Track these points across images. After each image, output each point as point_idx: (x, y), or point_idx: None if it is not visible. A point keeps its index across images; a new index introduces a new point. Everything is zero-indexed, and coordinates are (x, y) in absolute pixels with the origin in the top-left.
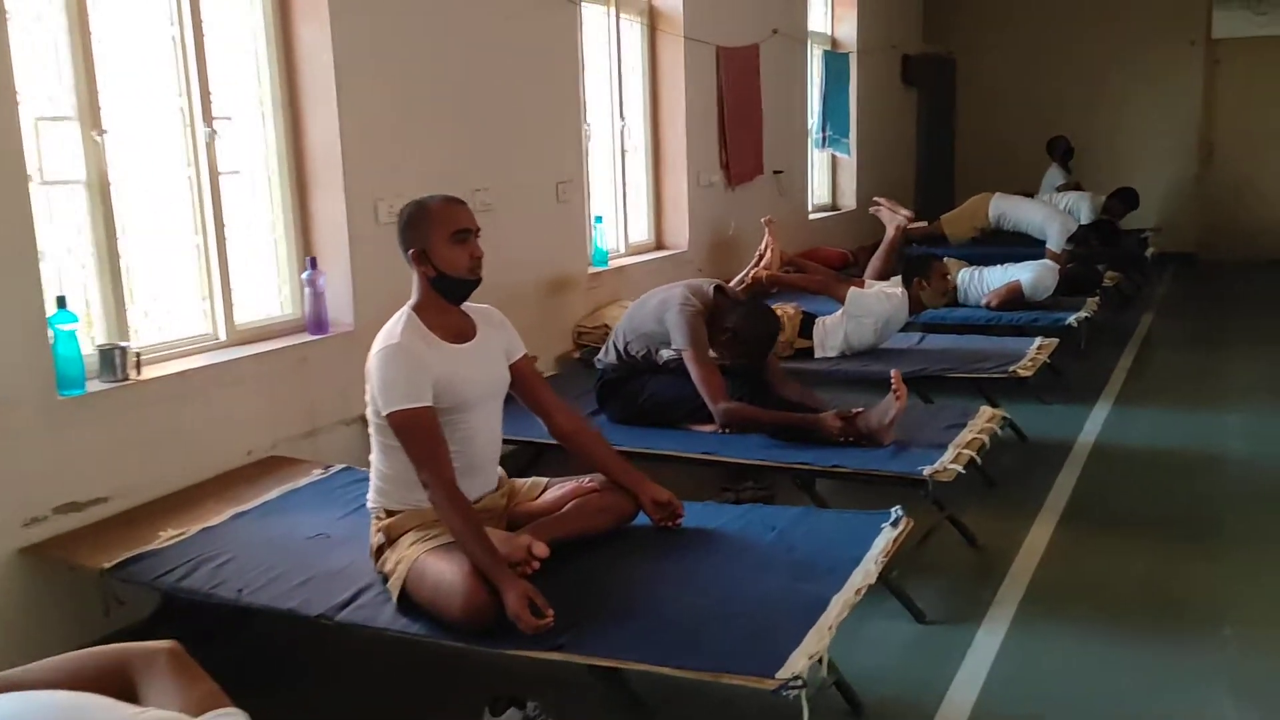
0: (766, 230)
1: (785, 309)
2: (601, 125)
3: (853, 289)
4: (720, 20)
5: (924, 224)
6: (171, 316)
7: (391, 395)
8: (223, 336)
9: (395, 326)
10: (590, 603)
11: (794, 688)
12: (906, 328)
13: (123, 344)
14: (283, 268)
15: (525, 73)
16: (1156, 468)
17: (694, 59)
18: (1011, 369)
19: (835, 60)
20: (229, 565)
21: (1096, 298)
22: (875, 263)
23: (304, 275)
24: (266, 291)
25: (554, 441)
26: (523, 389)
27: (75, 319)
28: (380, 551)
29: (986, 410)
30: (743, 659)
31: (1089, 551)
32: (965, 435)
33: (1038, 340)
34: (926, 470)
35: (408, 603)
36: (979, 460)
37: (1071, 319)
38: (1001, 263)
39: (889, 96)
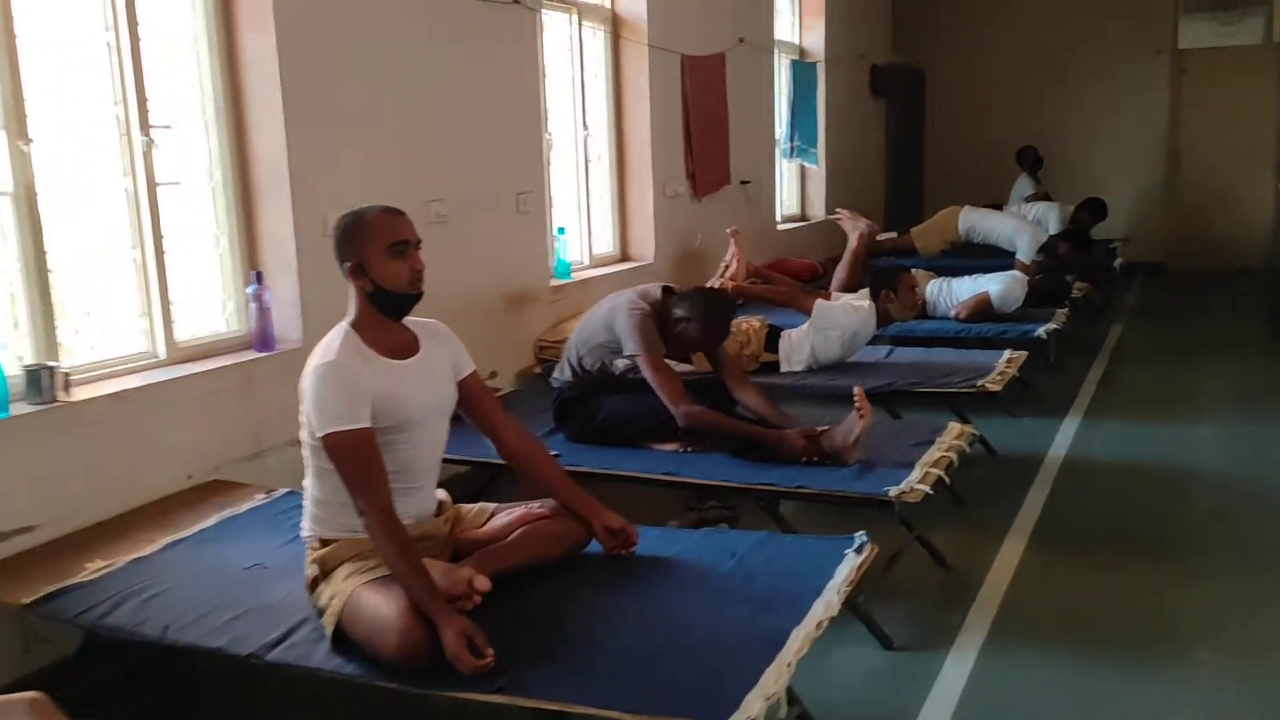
0: (732, 241)
1: (750, 322)
2: (564, 135)
3: (819, 301)
4: (685, 29)
5: (894, 235)
6: (107, 334)
7: (326, 416)
8: (162, 355)
9: (331, 343)
10: (535, 640)
11: None
12: (874, 340)
13: (51, 364)
14: (227, 282)
15: (483, 81)
16: (1127, 483)
17: (659, 68)
18: (980, 383)
19: (803, 70)
20: (157, 600)
21: (1065, 309)
22: (840, 274)
23: (249, 290)
24: (210, 307)
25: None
26: (471, 407)
27: None
28: (315, 584)
29: (955, 427)
30: (695, 702)
31: (1060, 572)
32: (933, 453)
33: (1006, 353)
34: (893, 491)
35: (343, 640)
36: (947, 480)
37: (1040, 331)
38: (971, 274)
39: (857, 106)
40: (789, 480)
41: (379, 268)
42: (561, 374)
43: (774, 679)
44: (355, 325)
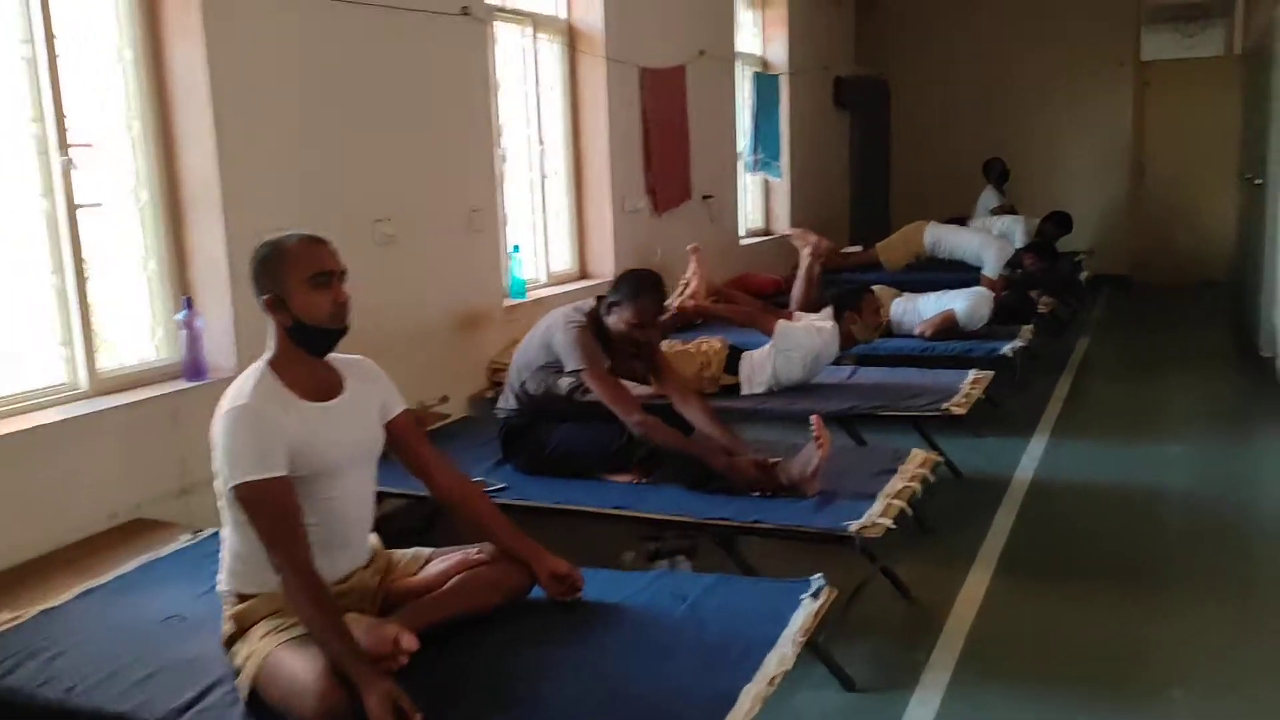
0: (692, 258)
1: (711, 342)
2: (519, 150)
3: (781, 322)
4: (644, 41)
5: (859, 249)
6: (22, 365)
7: (238, 465)
8: (84, 386)
9: (244, 384)
10: (467, 701)
11: None
12: (838, 360)
13: None
14: (156, 308)
15: (432, 94)
16: (1096, 506)
17: (617, 80)
18: (944, 406)
19: (765, 82)
20: (64, 657)
21: (1031, 326)
22: (796, 292)
23: (178, 316)
24: (138, 335)
25: None
26: (401, 449)
27: None
28: (231, 642)
29: (918, 454)
30: None
31: (1027, 603)
32: (895, 483)
33: (971, 374)
34: (853, 526)
35: (258, 704)
36: (910, 512)
37: (1006, 349)
38: (936, 290)
39: (821, 119)
40: (745, 515)
41: (299, 300)
42: (505, 402)
43: None
44: (273, 364)
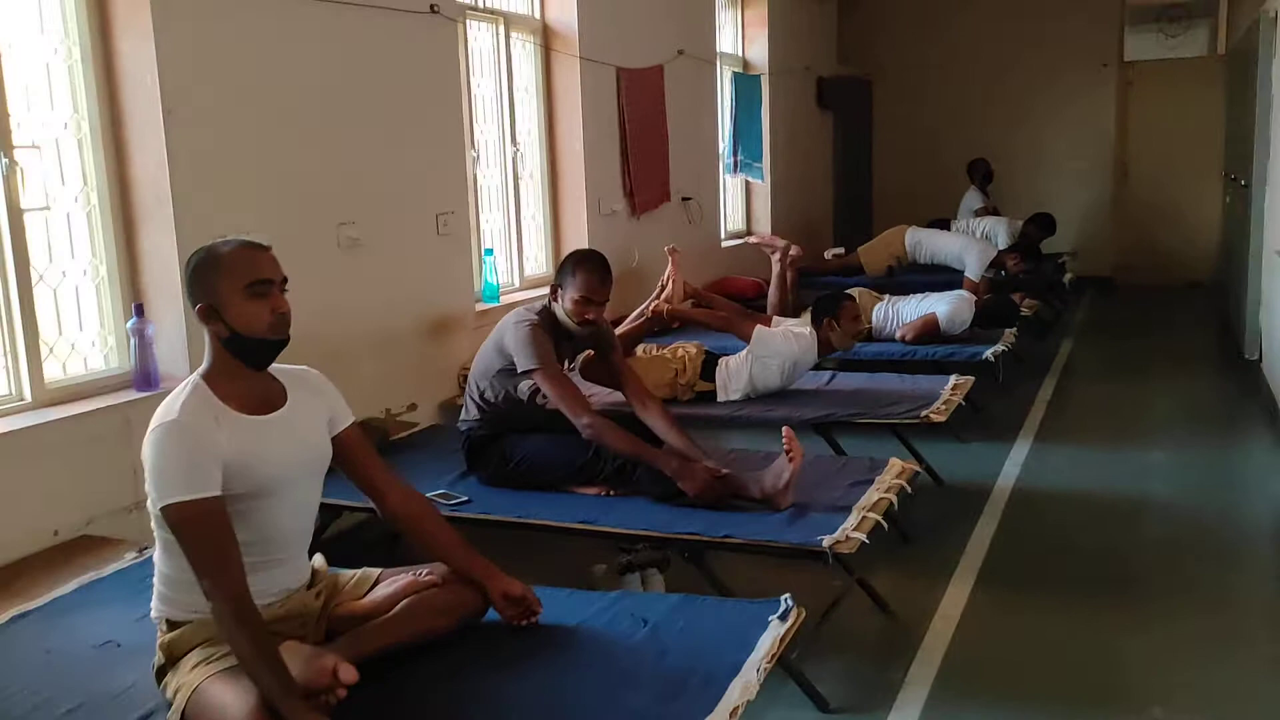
0: (670, 261)
1: (686, 347)
2: (492, 151)
3: (759, 328)
4: (621, 40)
5: (841, 251)
6: None
7: (167, 484)
8: (27, 397)
9: (175, 400)
10: None
11: None
12: (817, 365)
13: None
14: (106, 316)
15: (398, 94)
16: (1078, 514)
17: (592, 81)
18: (924, 413)
19: (746, 82)
20: None
21: (1014, 329)
22: (772, 297)
23: (129, 324)
24: (87, 344)
25: None
26: (349, 464)
27: None
28: (162, 673)
29: (896, 464)
30: None
31: (1007, 617)
32: (871, 495)
33: (952, 379)
34: (826, 540)
35: None
36: (885, 526)
37: (988, 353)
38: (918, 293)
39: (804, 119)
40: (715, 530)
41: (235, 310)
42: (467, 413)
43: None
44: (207, 376)
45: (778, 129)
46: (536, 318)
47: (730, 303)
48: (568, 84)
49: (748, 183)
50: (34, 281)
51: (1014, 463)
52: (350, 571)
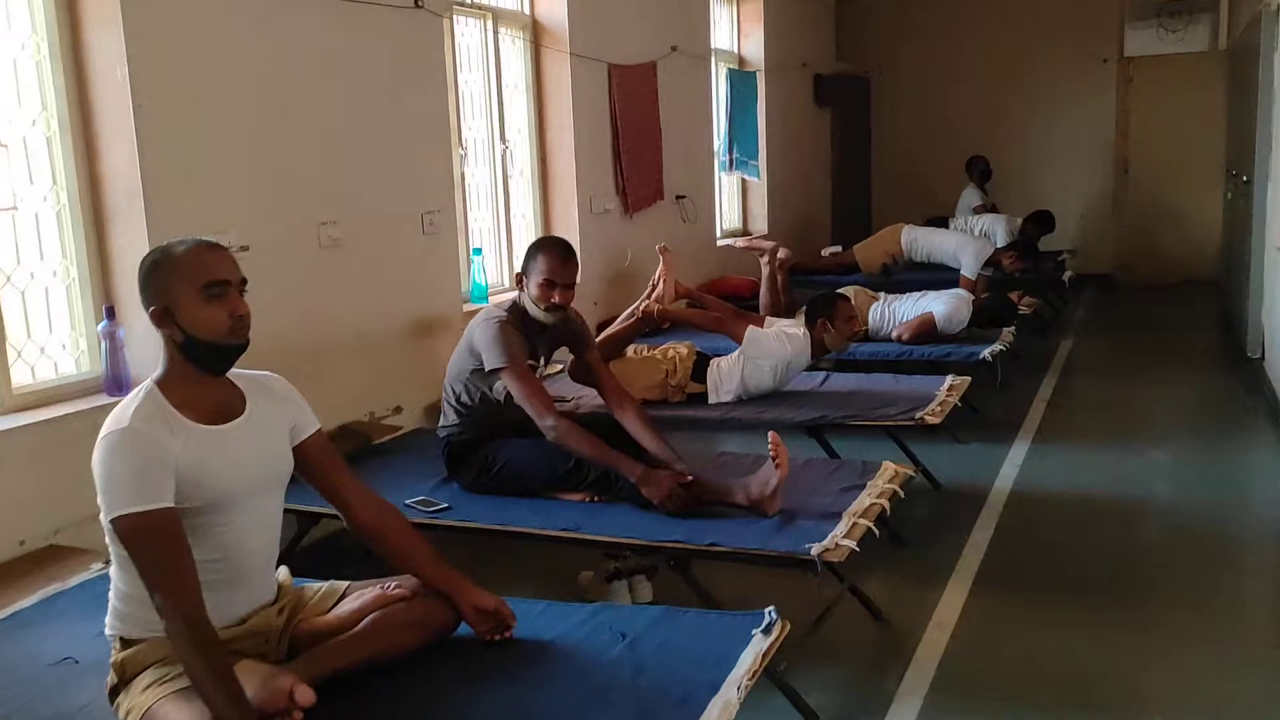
0: (661, 259)
1: (677, 348)
2: (481, 148)
3: (751, 329)
4: (612, 36)
5: (838, 249)
6: None
7: (117, 496)
8: None
9: (128, 406)
10: None
11: None
12: (812, 366)
13: None
14: (77, 319)
15: (382, 90)
16: (1078, 517)
17: (584, 77)
18: (919, 415)
19: (741, 79)
20: None
21: (1012, 329)
22: (764, 298)
23: (100, 327)
24: (57, 347)
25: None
26: (313, 475)
27: None
28: (115, 693)
29: (889, 468)
30: None
31: (1004, 624)
32: (863, 501)
33: (948, 380)
34: (814, 549)
35: None
36: (877, 533)
37: (985, 353)
38: (916, 291)
39: (800, 117)
40: (700, 537)
41: (190, 313)
42: (445, 419)
43: None
44: (161, 383)
45: (774, 126)
46: (505, 314)
47: (723, 303)
48: (558, 80)
49: (744, 181)
50: (1, 284)
51: (1012, 464)
52: (317, 584)
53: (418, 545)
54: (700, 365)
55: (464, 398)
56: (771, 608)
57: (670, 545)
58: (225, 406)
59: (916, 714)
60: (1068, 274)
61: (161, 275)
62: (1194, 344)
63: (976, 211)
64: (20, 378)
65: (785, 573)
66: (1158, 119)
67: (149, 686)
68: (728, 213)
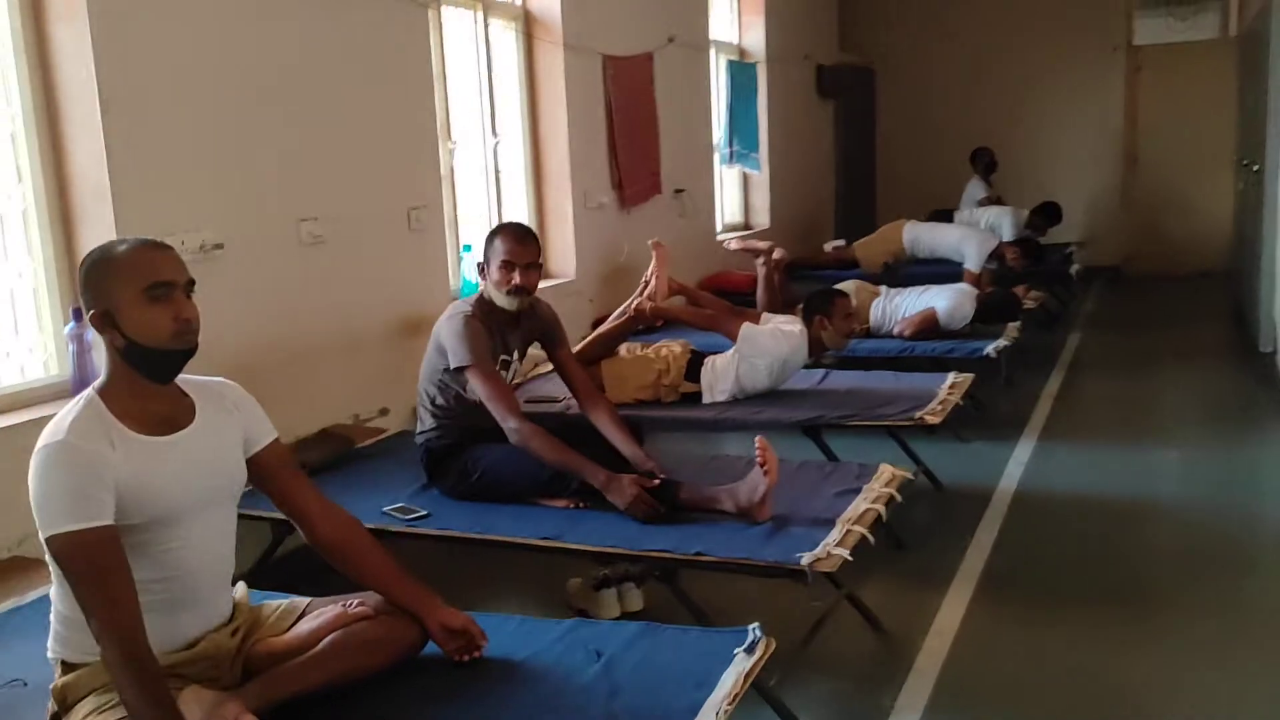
0: (654, 255)
1: (671, 346)
2: (472, 143)
3: (746, 326)
4: (607, 27)
5: (840, 244)
6: None
7: (51, 513)
8: None
9: (65, 417)
10: None
11: None
12: (810, 364)
13: None
14: (44, 321)
15: (366, 83)
16: (1086, 519)
17: (578, 69)
18: (919, 415)
19: (741, 70)
20: None
21: (1018, 324)
22: (761, 297)
23: (68, 329)
24: (24, 350)
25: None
26: (269, 487)
27: None
28: None
29: (886, 471)
30: None
31: (1007, 634)
32: (858, 506)
33: (950, 378)
34: (805, 558)
35: None
36: (872, 540)
37: (990, 349)
38: (919, 285)
39: (803, 109)
40: (687, 546)
41: (132, 316)
42: (422, 423)
43: None
44: (103, 392)
45: (776, 119)
46: (470, 309)
47: (718, 300)
48: (551, 72)
49: (745, 174)
50: None
51: (1017, 463)
52: (276, 601)
53: (382, 560)
54: (694, 364)
55: (439, 400)
56: (755, 625)
57: (655, 554)
58: (171, 416)
59: None
60: (1075, 266)
61: (101, 276)
62: (1204, 338)
63: (981, 204)
64: None
65: (778, 580)
66: (1167, 108)
67: (89, 715)
68: (729, 207)
